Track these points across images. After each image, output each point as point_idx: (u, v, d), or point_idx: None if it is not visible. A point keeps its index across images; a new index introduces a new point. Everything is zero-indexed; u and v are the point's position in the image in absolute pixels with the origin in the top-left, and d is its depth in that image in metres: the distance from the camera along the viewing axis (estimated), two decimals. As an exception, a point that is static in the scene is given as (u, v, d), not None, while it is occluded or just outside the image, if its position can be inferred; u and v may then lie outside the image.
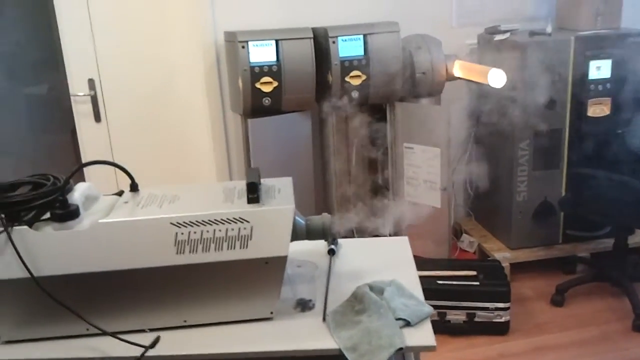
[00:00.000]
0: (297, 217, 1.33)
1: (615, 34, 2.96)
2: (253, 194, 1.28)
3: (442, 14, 3.20)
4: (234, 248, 1.22)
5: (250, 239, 1.22)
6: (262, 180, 1.37)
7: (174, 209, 1.25)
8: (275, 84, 2.60)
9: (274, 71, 2.59)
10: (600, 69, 2.93)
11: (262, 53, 2.58)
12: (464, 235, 3.35)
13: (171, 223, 1.22)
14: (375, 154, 3.01)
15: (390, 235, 1.63)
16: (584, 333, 2.73)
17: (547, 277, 3.13)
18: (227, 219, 1.23)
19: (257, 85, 2.59)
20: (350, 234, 1.54)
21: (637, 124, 3.08)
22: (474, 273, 2.76)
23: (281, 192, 1.33)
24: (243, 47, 2.54)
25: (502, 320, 2.70)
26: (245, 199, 1.28)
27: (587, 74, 2.93)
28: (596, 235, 3.22)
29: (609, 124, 3.02)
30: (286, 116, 2.74)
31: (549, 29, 2.95)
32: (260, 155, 2.73)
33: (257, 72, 2.58)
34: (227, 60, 2.82)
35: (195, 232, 1.22)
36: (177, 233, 1.21)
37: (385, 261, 1.52)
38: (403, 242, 1.64)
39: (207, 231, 1.22)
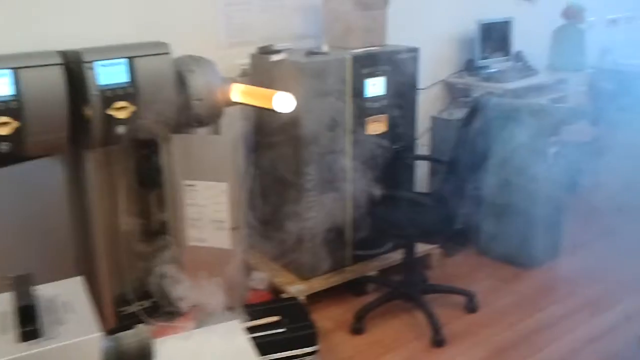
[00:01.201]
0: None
1: (386, 52, 2.96)
2: (29, 324, 0.80)
3: (210, 32, 2.87)
4: None
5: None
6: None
7: None
8: (15, 124, 1.98)
9: (12, 109, 1.97)
10: (375, 87, 2.90)
11: (-9, 85, 1.95)
12: (254, 272, 3.06)
13: None
14: (150, 197, 2.54)
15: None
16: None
17: (342, 304, 3.01)
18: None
19: (-11, 127, 1.95)
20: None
21: (409, 139, 3.15)
22: (277, 318, 2.49)
23: (74, 307, 0.87)
24: (-39, 78, 1.88)
25: (312, 365, 2.48)
26: (13, 333, 0.80)
27: (364, 92, 2.87)
28: (382, 251, 3.21)
29: (387, 140, 3.02)
30: (31, 164, 2.13)
31: (325, 48, 2.83)
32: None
33: (-14, 111, 1.94)
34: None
35: None
36: None
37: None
38: (235, 328, 1.27)
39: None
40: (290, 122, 2.71)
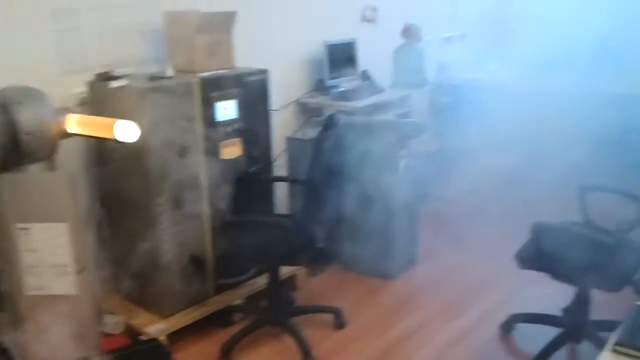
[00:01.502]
0: None
1: (235, 74, 2.90)
2: None
3: (39, 59, 2.63)
4: None
5: None
6: None
7: None
8: None
9: None
10: (227, 110, 2.83)
11: None
12: (107, 316, 2.82)
13: None
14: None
15: None
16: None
17: (208, 338, 2.87)
18: None
19: None
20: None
21: (266, 161, 3.10)
22: (135, 365, 2.31)
23: None
24: None
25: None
26: None
27: (215, 116, 2.79)
28: (245, 278, 3.11)
29: (243, 164, 2.95)
30: None
31: (169, 72, 2.70)
32: None
33: None
34: None
35: None
36: None
37: None
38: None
39: None
40: (137, 152, 2.55)
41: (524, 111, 4.02)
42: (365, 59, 4.23)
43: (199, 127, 2.74)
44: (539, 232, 2.54)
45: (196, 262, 2.86)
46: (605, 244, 2.38)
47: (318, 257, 3.37)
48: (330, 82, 3.97)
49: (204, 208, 2.83)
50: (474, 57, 5.25)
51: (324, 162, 2.83)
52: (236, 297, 3.03)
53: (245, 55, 3.10)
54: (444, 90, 4.78)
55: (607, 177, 3.74)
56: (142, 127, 2.30)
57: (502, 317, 2.95)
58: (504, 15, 5.19)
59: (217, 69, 2.89)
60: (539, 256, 2.53)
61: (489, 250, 3.73)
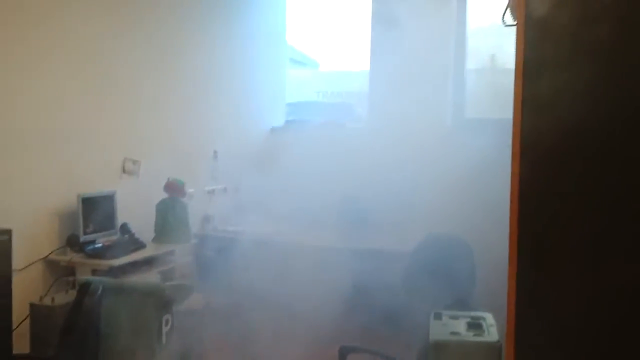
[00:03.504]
0: None
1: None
2: None
3: None
4: None
5: None
6: None
7: None
8: None
9: None
10: (-47, 280, 2.37)
11: None
12: None
13: None
14: None
15: None
16: None
17: None
18: None
19: None
20: None
21: (3, 333, 2.63)
22: None
23: None
24: None
25: None
26: None
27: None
28: None
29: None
30: None
31: None
32: None
33: None
34: None
35: None
36: None
37: None
38: None
39: None
40: None
41: (284, 264, 4.12)
42: (125, 212, 4.01)
43: None
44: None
45: None
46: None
47: None
48: (85, 238, 3.64)
49: None
50: (236, 209, 5.36)
51: (77, 333, 2.50)
52: None
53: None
54: (209, 243, 4.73)
55: (366, 333, 3.95)
56: None
57: None
58: (265, 171, 5.46)
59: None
60: None
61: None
